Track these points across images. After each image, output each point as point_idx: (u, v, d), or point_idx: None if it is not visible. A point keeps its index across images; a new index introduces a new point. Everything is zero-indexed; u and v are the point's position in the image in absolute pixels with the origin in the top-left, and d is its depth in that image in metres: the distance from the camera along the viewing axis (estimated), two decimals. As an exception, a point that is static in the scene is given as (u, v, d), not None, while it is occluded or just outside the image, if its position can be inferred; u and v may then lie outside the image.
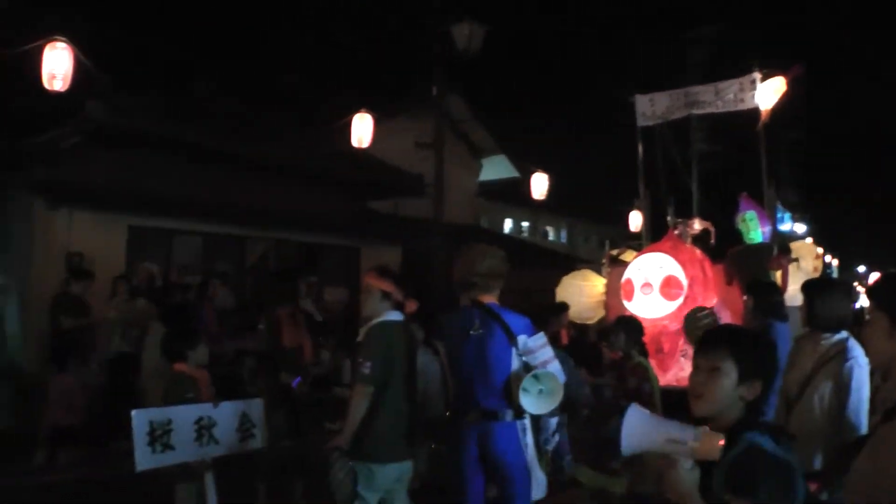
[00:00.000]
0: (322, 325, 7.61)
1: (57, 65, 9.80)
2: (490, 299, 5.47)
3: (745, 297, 7.06)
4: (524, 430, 5.38)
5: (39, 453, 8.95)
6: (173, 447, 5.18)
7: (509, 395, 5.24)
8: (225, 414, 5.60)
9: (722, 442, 2.51)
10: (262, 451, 6.18)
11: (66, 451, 9.04)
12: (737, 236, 10.11)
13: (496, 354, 5.27)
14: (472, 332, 5.33)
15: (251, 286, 15.01)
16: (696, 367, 2.81)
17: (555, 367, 5.22)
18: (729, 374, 2.67)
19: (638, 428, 2.64)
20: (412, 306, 5.53)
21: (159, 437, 5.09)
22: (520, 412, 5.23)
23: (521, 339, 5.28)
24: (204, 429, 5.40)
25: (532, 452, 5.39)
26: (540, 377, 5.12)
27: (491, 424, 5.30)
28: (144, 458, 5.05)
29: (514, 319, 5.38)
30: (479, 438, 5.31)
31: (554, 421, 5.99)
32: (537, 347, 5.27)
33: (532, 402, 5.13)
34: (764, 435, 2.54)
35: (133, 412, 5.10)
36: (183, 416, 5.33)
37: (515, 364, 5.24)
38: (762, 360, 2.73)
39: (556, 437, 5.94)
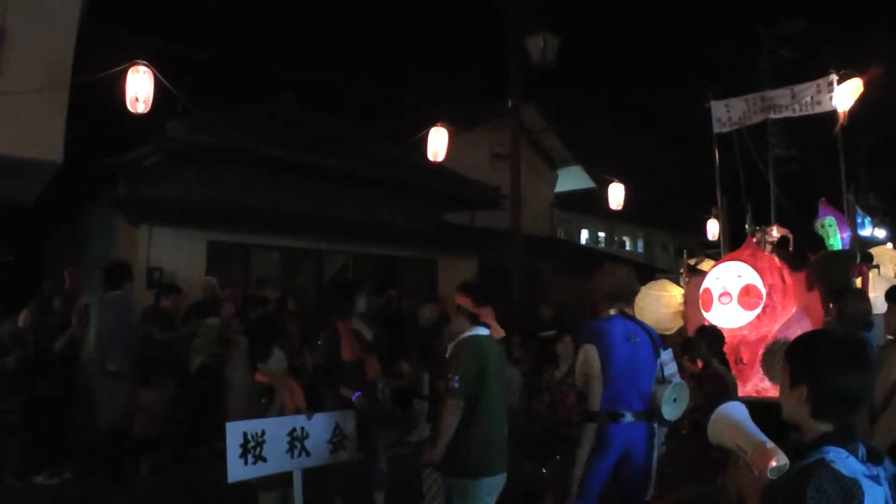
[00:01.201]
0: (373, 341, 7.55)
1: (140, 88, 10.11)
2: (630, 311, 6.01)
3: (830, 306, 6.95)
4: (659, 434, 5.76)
5: (123, 461, 9.16)
6: (265, 458, 5.27)
7: (650, 400, 5.57)
8: (318, 426, 5.71)
9: (774, 462, 2.38)
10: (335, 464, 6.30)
11: (148, 459, 9.25)
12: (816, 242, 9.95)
13: (647, 362, 5.65)
14: (631, 340, 5.66)
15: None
16: None
17: (679, 379, 5.69)
18: (784, 379, 2.62)
19: (722, 420, 2.62)
20: (494, 323, 5.63)
21: (252, 448, 5.19)
22: (654, 417, 5.59)
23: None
24: (297, 440, 5.50)
25: (657, 455, 5.73)
26: (675, 387, 5.55)
27: (639, 425, 5.58)
28: (236, 470, 5.15)
29: (653, 331, 5.87)
30: (628, 439, 5.56)
31: (664, 430, 6.24)
32: (668, 360, 5.74)
33: (669, 409, 5.53)
34: (845, 454, 2.42)
35: (227, 424, 5.21)
36: (276, 427, 5.42)
37: (656, 373, 5.65)
38: (805, 362, 2.55)
39: (665, 447, 6.23)
